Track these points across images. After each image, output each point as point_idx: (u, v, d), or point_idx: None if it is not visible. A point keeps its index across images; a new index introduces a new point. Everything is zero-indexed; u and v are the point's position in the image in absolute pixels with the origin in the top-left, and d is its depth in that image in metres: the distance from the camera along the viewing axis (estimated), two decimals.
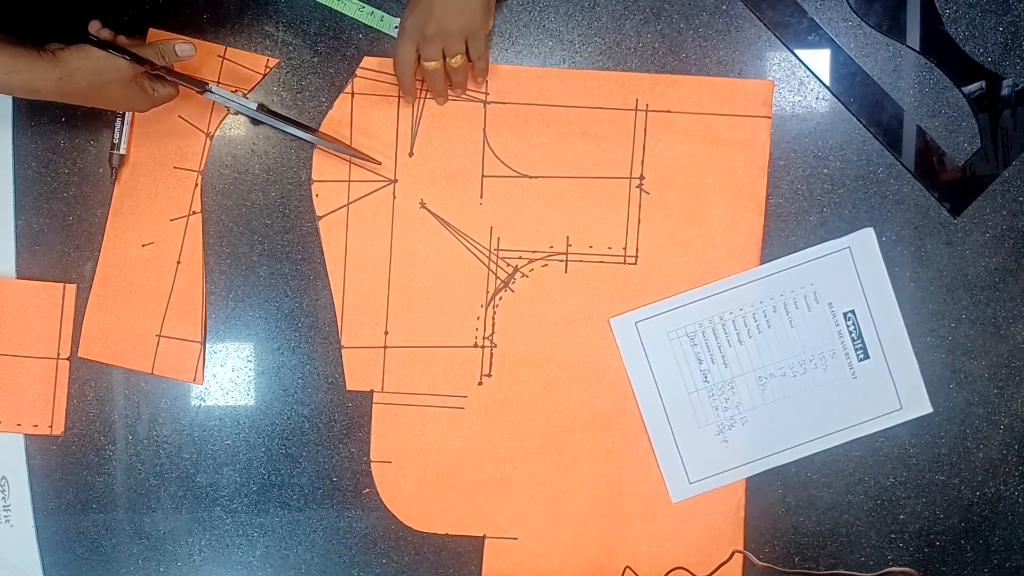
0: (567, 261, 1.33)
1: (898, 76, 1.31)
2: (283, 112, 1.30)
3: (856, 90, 1.31)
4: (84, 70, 1.10)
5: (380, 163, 1.31)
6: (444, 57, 1.23)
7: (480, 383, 1.34)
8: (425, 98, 1.32)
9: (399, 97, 1.32)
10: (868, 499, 1.35)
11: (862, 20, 1.30)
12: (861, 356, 1.33)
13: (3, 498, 1.35)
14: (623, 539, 1.36)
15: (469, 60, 1.25)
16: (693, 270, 1.32)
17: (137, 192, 1.33)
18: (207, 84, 1.24)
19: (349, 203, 1.33)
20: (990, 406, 1.34)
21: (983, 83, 1.30)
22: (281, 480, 1.36)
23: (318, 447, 1.35)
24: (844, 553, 1.36)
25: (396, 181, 1.32)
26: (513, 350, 1.34)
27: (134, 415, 1.35)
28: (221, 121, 1.33)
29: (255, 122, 1.31)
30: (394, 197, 1.33)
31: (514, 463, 1.35)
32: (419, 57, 1.23)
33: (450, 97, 1.31)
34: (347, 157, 1.31)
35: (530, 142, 1.32)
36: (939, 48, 1.30)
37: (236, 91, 1.29)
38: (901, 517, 1.35)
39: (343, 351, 1.34)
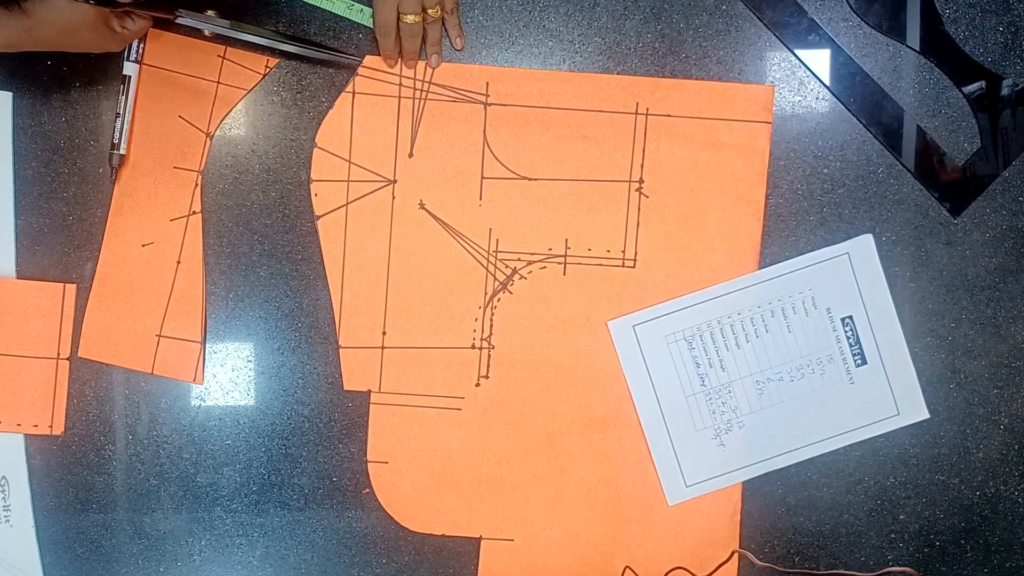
0: (566, 263, 1.33)
1: (898, 76, 1.31)
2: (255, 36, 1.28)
3: (856, 90, 1.31)
4: (50, 19, 1.10)
5: (359, 60, 1.31)
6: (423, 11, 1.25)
7: (477, 384, 1.34)
8: (425, 99, 1.32)
9: (400, 97, 1.32)
10: (868, 499, 1.35)
11: (862, 20, 1.30)
12: (859, 362, 1.32)
13: (3, 498, 1.36)
14: (619, 541, 1.36)
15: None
16: (691, 274, 1.32)
17: (137, 192, 1.33)
18: (176, 10, 1.23)
19: (348, 203, 1.33)
20: (990, 406, 1.34)
21: (983, 83, 1.30)
22: (281, 480, 1.36)
23: (318, 447, 1.35)
24: (844, 553, 1.36)
25: (395, 182, 1.32)
26: (511, 352, 1.34)
27: (134, 415, 1.36)
28: (221, 121, 1.33)
29: (244, 45, 1.30)
30: (393, 197, 1.33)
31: (511, 465, 1.35)
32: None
33: (431, 66, 1.31)
34: (340, 59, 1.31)
35: (530, 144, 1.32)
36: (939, 48, 1.29)
37: (206, 11, 1.27)
38: (901, 517, 1.35)
39: (341, 351, 1.34)
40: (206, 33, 1.30)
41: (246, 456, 1.36)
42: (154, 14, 1.21)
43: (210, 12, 1.27)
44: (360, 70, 1.31)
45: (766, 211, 1.31)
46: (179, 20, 1.24)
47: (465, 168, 1.32)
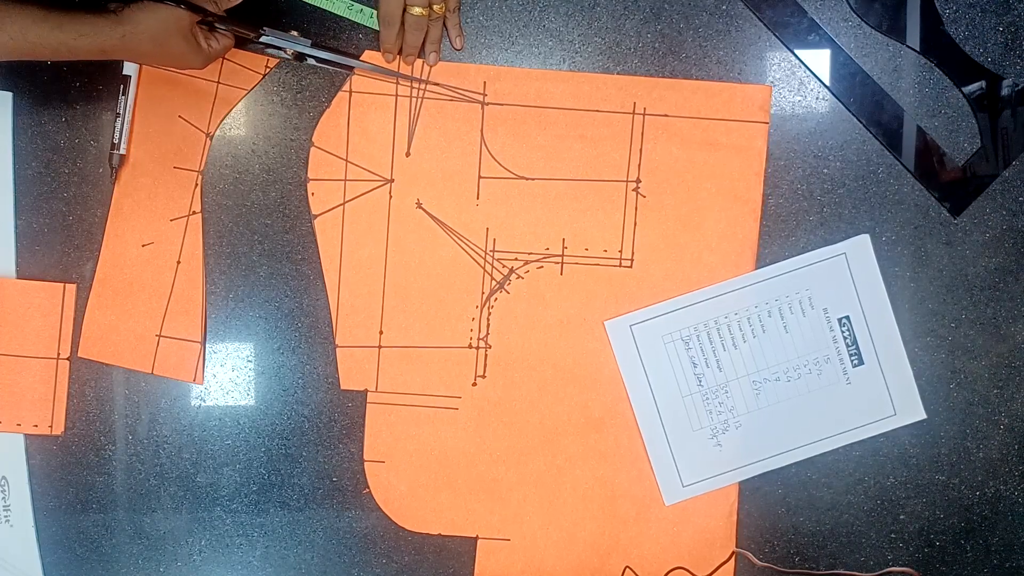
0: (563, 263, 1.33)
1: (898, 76, 1.30)
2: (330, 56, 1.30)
3: (856, 90, 1.30)
4: (146, 24, 1.11)
5: (426, 81, 1.32)
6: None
7: (474, 384, 1.34)
8: (423, 97, 1.32)
9: (397, 96, 1.32)
10: (868, 499, 1.35)
11: (862, 20, 1.30)
12: (855, 362, 1.32)
13: (3, 498, 1.36)
14: (616, 541, 1.36)
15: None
16: (688, 274, 1.32)
17: (137, 192, 1.33)
18: (261, 28, 1.25)
19: (345, 202, 1.33)
20: (990, 406, 1.34)
21: (983, 83, 1.29)
22: (281, 480, 1.36)
23: (318, 447, 1.36)
24: (844, 553, 1.36)
25: (393, 181, 1.33)
26: (508, 351, 1.34)
27: (134, 415, 1.36)
28: (221, 121, 1.33)
29: (319, 61, 1.30)
30: (390, 197, 1.33)
31: (507, 464, 1.35)
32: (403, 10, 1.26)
33: (429, 64, 1.32)
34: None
35: (527, 144, 1.32)
36: (939, 48, 1.29)
37: (289, 32, 1.29)
38: (901, 517, 1.35)
39: (338, 350, 1.34)
40: (287, 52, 1.29)
41: (246, 456, 1.36)
42: (238, 31, 1.23)
43: (293, 32, 1.28)
44: (358, 68, 1.31)
45: (765, 211, 1.31)
46: (263, 38, 1.25)
47: (462, 167, 1.32)
